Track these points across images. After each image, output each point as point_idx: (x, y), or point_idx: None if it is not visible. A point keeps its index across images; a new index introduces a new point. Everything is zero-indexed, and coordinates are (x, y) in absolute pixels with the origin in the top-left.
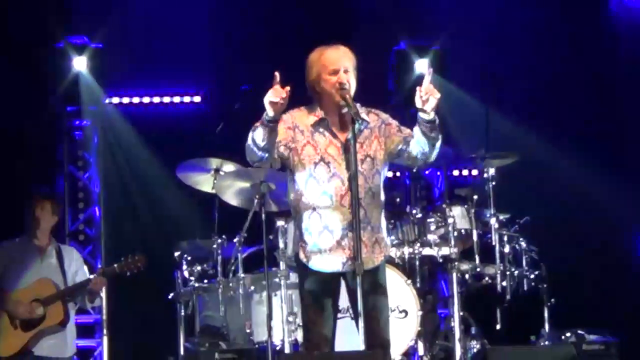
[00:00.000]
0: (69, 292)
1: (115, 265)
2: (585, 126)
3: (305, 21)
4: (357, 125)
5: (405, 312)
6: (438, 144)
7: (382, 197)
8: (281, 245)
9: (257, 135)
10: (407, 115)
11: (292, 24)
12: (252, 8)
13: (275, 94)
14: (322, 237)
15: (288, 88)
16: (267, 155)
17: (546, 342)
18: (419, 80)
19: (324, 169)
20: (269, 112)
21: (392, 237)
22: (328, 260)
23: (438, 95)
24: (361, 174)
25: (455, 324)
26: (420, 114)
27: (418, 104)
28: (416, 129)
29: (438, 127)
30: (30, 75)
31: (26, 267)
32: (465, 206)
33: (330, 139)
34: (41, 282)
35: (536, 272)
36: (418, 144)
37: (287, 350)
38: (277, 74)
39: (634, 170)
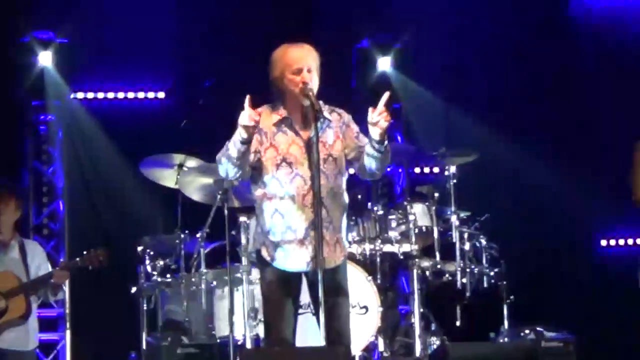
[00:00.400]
0: (31, 286)
1: (78, 259)
2: (546, 124)
3: (268, 17)
4: (319, 124)
5: (366, 308)
6: (386, 164)
7: (346, 198)
8: (243, 241)
9: (232, 154)
10: (361, 111)
11: (256, 19)
12: (215, 3)
13: (248, 118)
14: (285, 237)
15: (260, 110)
16: (242, 170)
17: (505, 339)
18: (382, 78)
19: (285, 170)
20: (243, 134)
21: (354, 234)
22: (291, 259)
23: (389, 120)
24: (323, 173)
25: (416, 320)
26: (372, 133)
27: (370, 125)
28: (368, 145)
29: (388, 150)
30: None
31: None
32: (426, 203)
33: (292, 138)
34: (3, 275)
35: (496, 270)
36: (368, 158)
37: (248, 345)
38: (248, 97)
39: (594, 168)
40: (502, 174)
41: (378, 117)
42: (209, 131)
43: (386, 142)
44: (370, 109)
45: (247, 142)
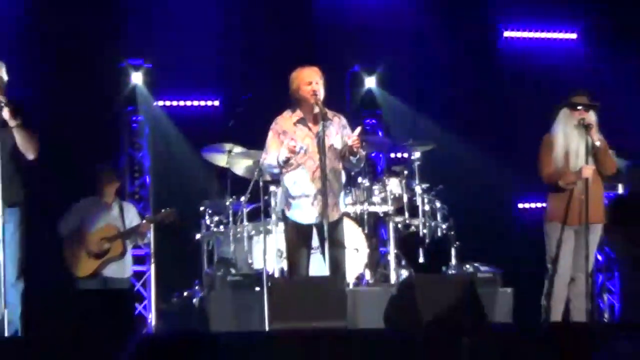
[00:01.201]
0: (126, 233)
1: (159, 214)
2: (480, 124)
3: (285, 48)
4: (325, 123)
5: (357, 249)
6: (359, 165)
7: (343, 176)
8: (272, 203)
9: (273, 164)
10: (359, 116)
11: (278, 51)
12: (252, 39)
13: (289, 151)
14: (301, 200)
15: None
16: (280, 171)
17: (453, 271)
18: (368, 92)
19: (301, 155)
20: (286, 155)
21: (349, 199)
22: (305, 215)
23: (358, 146)
24: (327, 157)
25: (391, 258)
26: (348, 151)
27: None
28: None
29: (361, 159)
30: (102, 87)
31: (98, 216)
32: (399, 178)
33: (306, 133)
34: (107, 226)
35: (446, 224)
36: (346, 162)
37: (276, 275)
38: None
39: (514, 154)
40: (451, 158)
41: (351, 143)
42: (248, 128)
43: (358, 155)
44: (348, 136)
45: (287, 161)
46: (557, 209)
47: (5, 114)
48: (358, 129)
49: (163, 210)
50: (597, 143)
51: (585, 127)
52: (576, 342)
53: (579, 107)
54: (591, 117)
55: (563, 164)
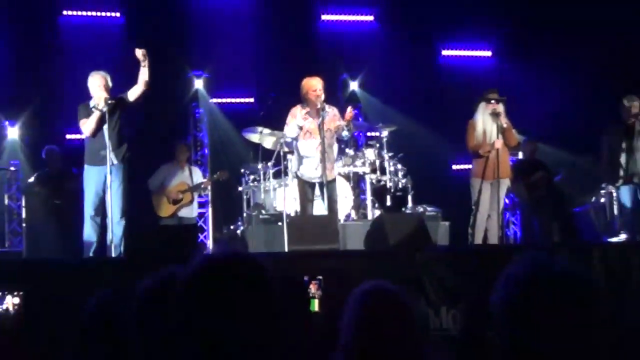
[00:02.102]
0: (194, 187)
1: (214, 175)
2: (428, 112)
3: (302, 64)
4: (323, 114)
5: (346, 197)
6: (350, 133)
7: (335, 148)
8: (289, 166)
9: (289, 132)
10: (345, 107)
11: (297, 64)
12: (275, 55)
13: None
14: (308, 163)
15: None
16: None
17: (409, 211)
18: (353, 93)
19: (308, 135)
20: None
21: (340, 163)
22: (311, 174)
23: (350, 119)
24: (325, 137)
25: (368, 202)
26: (343, 123)
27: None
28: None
29: (351, 129)
30: (175, 89)
31: (175, 176)
32: (373, 149)
33: (311, 121)
34: (182, 183)
35: (405, 179)
36: (342, 132)
37: (292, 214)
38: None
39: (450, 132)
40: (408, 135)
41: (347, 117)
42: (273, 116)
43: (350, 126)
44: (347, 111)
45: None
46: (478, 169)
47: (144, 71)
48: (349, 108)
49: (218, 172)
50: (504, 125)
51: (496, 115)
52: (491, 258)
53: (492, 101)
54: (500, 107)
55: (482, 139)
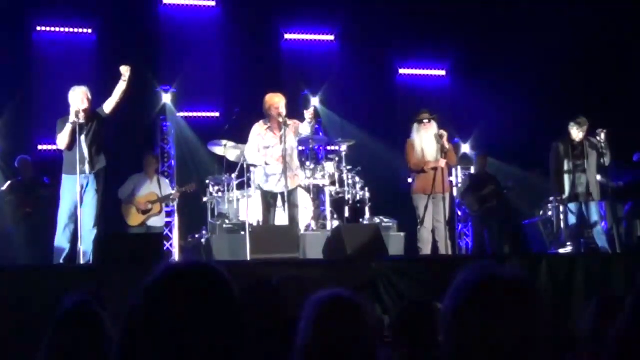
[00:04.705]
0: (163, 198)
1: (183, 187)
2: (383, 129)
3: (266, 81)
4: (284, 128)
5: (306, 208)
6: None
7: (296, 160)
8: (252, 178)
9: (250, 161)
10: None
11: (260, 81)
12: (239, 72)
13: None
14: (271, 177)
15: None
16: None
17: (367, 222)
18: (315, 108)
19: (271, 149)
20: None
21: (303, 175)
22: (274, 185)
23: (314, 122)
24: (286, 149)
25: (328, 213)
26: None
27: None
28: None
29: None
30: (145, 103)
31: (144, 186)
32: (333, 162)
33: (272, 135)
34: (150, 193)
35: (362, 192)
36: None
37: (254, 224)
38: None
39: (405, 146)
40: (365, 150)
41: (310, 115)
42: (237, 130)
43: (313, 122)
44: (307, 112)
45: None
46: (420, 185)
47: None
48: (312, 108)
49: (187, 185)
50: (447, 146)
51: (441, 137)
52: (443, 267)
53: (424, 121)
54: (434, 125)
55: (421, 157)
